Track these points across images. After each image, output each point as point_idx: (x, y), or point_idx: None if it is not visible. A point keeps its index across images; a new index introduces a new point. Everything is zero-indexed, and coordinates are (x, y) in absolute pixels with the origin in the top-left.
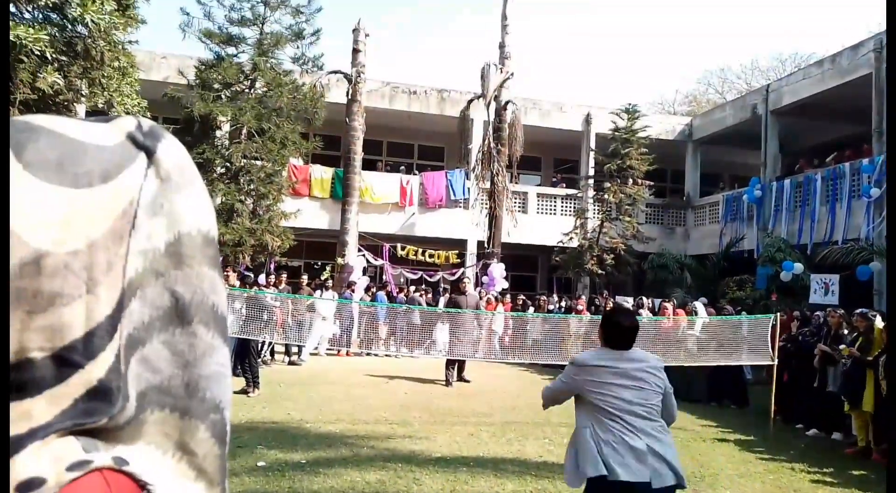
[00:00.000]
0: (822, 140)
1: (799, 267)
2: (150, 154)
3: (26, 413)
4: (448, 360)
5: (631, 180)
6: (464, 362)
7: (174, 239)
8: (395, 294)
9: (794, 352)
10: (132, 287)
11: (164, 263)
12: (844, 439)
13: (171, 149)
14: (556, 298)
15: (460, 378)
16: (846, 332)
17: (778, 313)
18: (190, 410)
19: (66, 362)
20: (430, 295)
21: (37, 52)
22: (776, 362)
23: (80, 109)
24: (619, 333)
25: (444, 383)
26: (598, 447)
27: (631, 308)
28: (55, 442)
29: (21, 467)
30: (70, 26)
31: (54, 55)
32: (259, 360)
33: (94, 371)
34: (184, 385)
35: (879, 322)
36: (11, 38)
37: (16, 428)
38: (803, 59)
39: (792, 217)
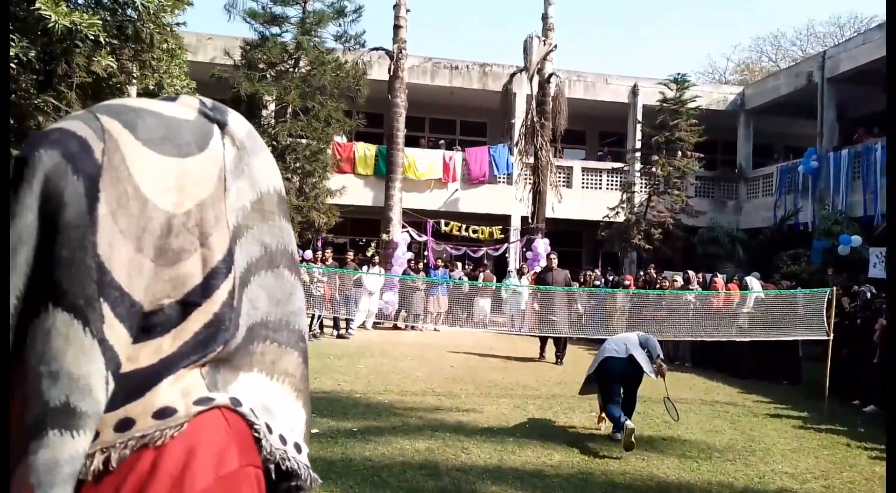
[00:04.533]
0: (881, 108)
1: (857, 240)
2: (222, 126)
3: (157, 348)
4: (541, 337)
5: (680, 153)
6: (564, 342)
7: (257, 198)
8: (442, 273)
9: (851, 327)
10: (233, 238)
11: (252, 218)
12: None
13: (239, 121)
14: (598, 272)
15: (559, 362)
16: None
17: (834, 288)
18: (284, 340)
19: (188, 304)
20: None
21: (91, 37)
22: (832, 337)
23: (132, 90)
24: None
25: (539, 358)
26: (602, 350)
27: (679, 280)
28: (186, 377)
29: (157, 396)
30: (121, 10)
31: (107, 39)
32: (309, 334)
33: (210, 307)
34: (277, 320)
35: None
36: (67, 24)
37: (149, 360)
38: (863, 23)
39: (851, 189)
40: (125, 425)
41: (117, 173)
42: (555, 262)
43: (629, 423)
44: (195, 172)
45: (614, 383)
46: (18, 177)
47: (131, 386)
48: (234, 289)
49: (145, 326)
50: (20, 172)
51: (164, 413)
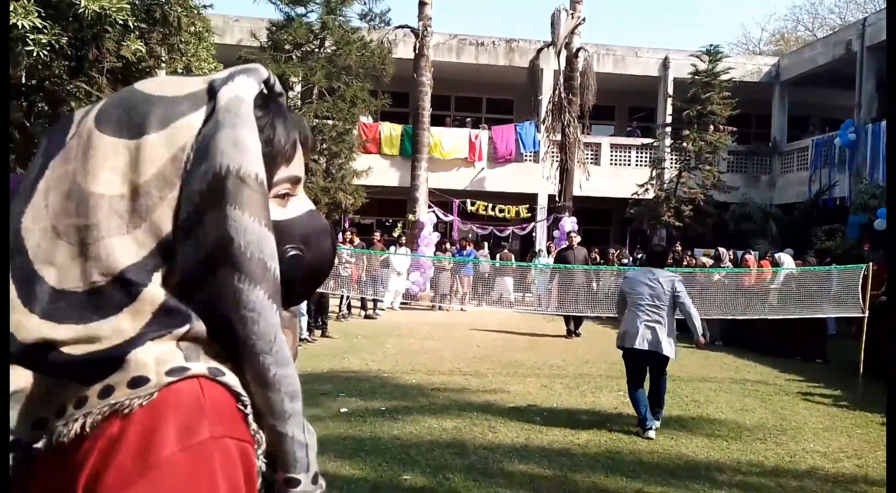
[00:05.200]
0: None
1: None
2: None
3: (117, 328)
4: (566, 317)
5: (712, 127)
6: (581, 317)
7: (210, 180)
8: (469, 252)
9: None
10: (182, 228)
11: (198, 204)
12: None
13: (230, 89)
14: (625, 251)
15: (575, 333)
16: None
17: (871, 263)
18: (238, 344)
19: (127, 283)
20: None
21: (120, 22)
22: (867, 315)
23: (161, 74)
24: (650, 256)
25: (565, 336)
26: (629, 327)
27: (709, 260)
28: (159, 347)
29: (134, 366)
30: None
31: (136, 23)
32: (338, 314)
33: (155, 293)
34: (225, 324)
35: None
36: (97, 9)
37: (116, 340)
38: None
39: None
40: (106, 392)
41: (68, 153)
42: (575, 240)
43: (651, 433)
44: (141, 153)
45: (639, 368)
46: None
47: (106, 361)
48: (177, 280)
49: (91, 306)
50: None
51: (137, 382)
